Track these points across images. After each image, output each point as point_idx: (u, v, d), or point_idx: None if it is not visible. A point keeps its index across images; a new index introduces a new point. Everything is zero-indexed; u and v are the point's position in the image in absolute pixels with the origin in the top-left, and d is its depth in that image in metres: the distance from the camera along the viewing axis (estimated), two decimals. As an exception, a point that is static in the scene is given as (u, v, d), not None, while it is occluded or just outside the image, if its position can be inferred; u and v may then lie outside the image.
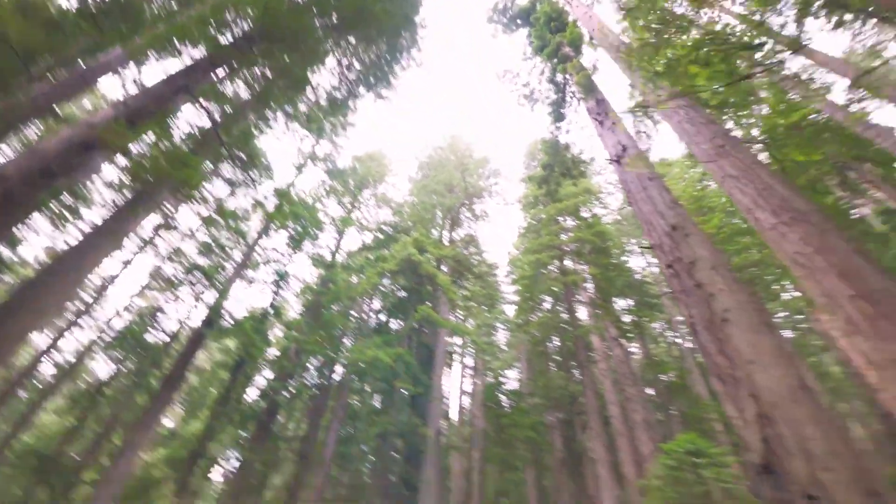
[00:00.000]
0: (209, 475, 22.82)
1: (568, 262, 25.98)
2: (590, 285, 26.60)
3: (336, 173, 28.28)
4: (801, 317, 21.96)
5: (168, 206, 17.10)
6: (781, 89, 11.53)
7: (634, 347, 28.80)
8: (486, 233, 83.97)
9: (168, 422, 30.20)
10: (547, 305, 28.17)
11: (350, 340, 27.77)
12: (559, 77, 16.09)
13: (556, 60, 15.56)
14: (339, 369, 26.19)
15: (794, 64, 14.25)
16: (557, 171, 16.28)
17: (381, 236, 31.19)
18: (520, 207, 33.49)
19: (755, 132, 11.23)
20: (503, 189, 36.89)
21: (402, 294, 29.49)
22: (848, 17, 11.85)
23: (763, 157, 11.79)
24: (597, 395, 21.66)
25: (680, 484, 10.52)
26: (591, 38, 13.61)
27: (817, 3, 8.83)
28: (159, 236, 20.68)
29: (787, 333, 23.85)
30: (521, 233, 31.91)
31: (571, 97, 16.54)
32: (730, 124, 12.46)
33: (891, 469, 14.67)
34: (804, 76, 13.56)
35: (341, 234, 29.42)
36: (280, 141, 47.13)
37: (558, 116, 16.81)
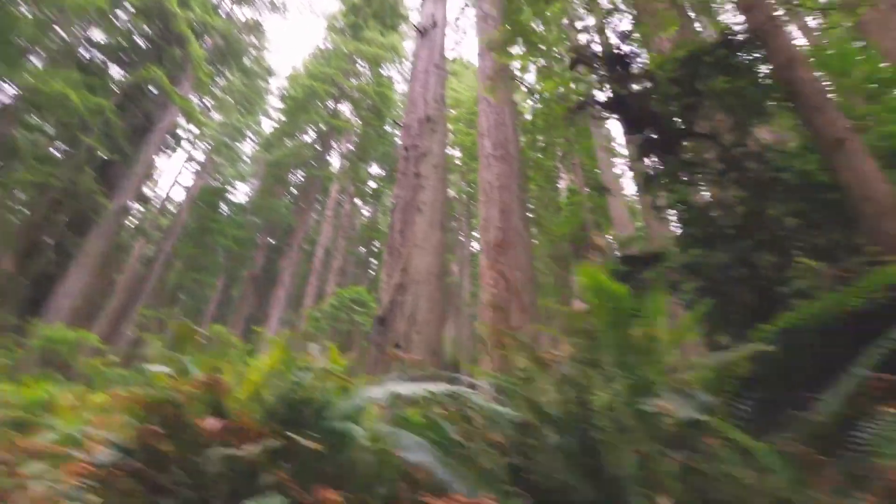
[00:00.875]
0: None
1: (343, 107, 25.05)
2: (354, 140, 26.66)
3: None
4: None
5: None
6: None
7: (366, 210, 31.15)
8: (276, 30, 71.63)
9: None
10: (306, 138, 26.98)
11: (40, 62, 20.48)
12: None
13: None
14: (9, 91, 19.29)
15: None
16: (373, 8, 14.93)
17: (135, -51, 22.76)
18: (324, 26, 29.60)
19: (540, 85, 12.65)
20: (316, -6, 31.50)
21: (140, 42, 23.03)
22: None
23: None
24: (311, 234, 22.85)
25: (335, 320, 12.51)
26: None
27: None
28: None
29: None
30: (314, 53, 28.60)
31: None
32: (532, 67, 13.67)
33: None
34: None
35: None
36: None
37: (404, -49, 15.05)
